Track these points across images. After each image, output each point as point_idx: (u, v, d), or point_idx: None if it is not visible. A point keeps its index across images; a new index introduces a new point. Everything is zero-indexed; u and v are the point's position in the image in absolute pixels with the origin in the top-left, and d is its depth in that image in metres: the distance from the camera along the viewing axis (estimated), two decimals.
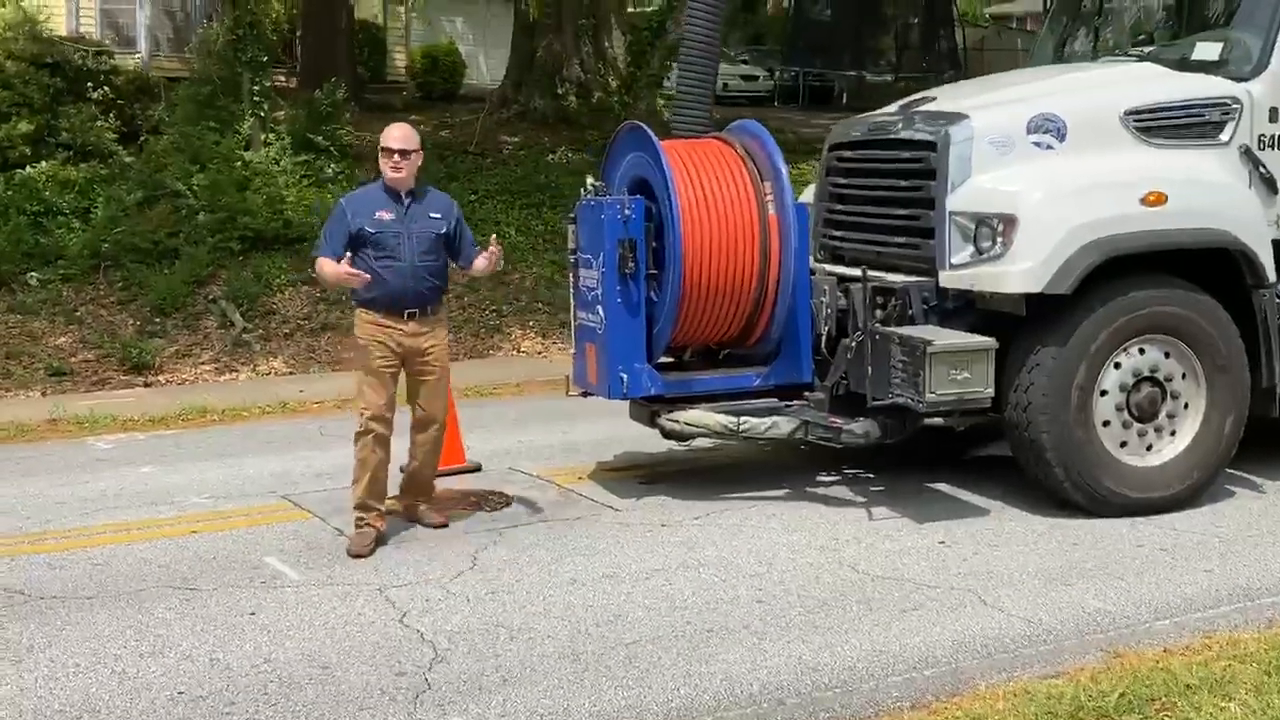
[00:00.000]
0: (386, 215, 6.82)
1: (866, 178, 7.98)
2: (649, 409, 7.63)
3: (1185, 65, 7.61)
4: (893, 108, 8.38)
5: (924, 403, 6.76)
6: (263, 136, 16.20)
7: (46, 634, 5.64)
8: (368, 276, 6.71)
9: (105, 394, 12.04)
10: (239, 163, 15.63)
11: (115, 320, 14.00)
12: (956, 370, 6.76)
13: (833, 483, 8.00)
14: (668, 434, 7.78)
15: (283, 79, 20.91)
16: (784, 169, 7.42)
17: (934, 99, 8.03)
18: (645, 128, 7.57)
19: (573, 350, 7.91)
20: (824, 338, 7.72)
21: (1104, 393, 7.09)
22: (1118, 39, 8.88)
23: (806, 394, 7.69)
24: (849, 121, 8.56)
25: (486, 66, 32.13)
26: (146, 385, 12.65)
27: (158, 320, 13.95)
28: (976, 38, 41.13)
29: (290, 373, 13.29)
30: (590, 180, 7.62)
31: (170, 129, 16.43)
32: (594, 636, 5.53)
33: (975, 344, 6.83)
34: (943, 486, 7.81)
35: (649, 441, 8.95)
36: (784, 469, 8.27)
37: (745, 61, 33.38)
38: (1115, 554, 6.54)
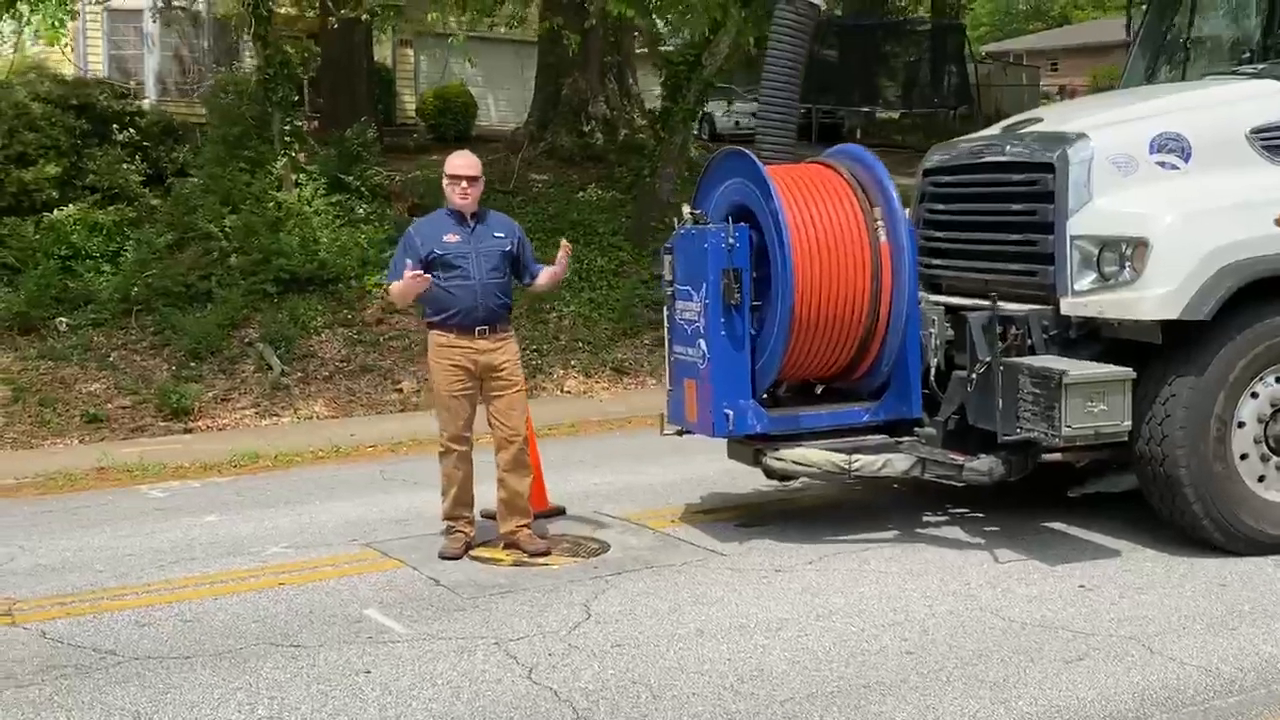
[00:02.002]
0: (454, 238, 7.08)
1: (970, 202, 7.64)
2: (751, 447, 7.25)
3: None
4: (994, 130, 8.06)
5: (1060, 437, 6.39)
6: (294, 177, 15.86)
7: (151, 698, 5.22)
8: (428, 277, 6.93)
9: (148, 440, 11.63)
10: (271, 203, 15.29)
11: (149, 365, 13.61)
12: (1093, 402, 6.40)
13: (942, 523, 7.62)
14: (771, 473, 7.40)
15: (302, 122, 20.61)
16: (895, 194, 7.08)
17: (1040, 120, 7.71)
18: (748, 152, 7.23)
19: (668, 387, 7.53)
20: (932, 370, 7.36)
21: (1241, 424, 6.74)
22: (1213, 59, 8.57)
23: (916, 430, 7.32)
24: (944, 145, 8.22)
25: (495, 108, 32.04)
26: (187, 431, 12.24)
27: (193, 364, 13.56)
28: (981, 74, 41.10)
29: (333, 416, 12.90)
30: (687, 209, 7.26)
31: (198, 170, 16.09)
32: (743, 694, 5.12)
33: (1112, 374, 6.48)
34: (1059, 525, 7.42)
35: (731, 481, 8.64)
36: (884, 509, 7.89)
37: (756, 99, 33.19)
38: (1270, 595, 6.16)
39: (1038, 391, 6.48)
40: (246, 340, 14.02)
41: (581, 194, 18.36)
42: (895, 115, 37.08)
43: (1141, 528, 7.16)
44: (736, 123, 29.58)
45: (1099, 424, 6.42)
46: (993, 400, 6.72)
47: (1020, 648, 5.54)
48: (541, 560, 7.07)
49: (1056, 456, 7.16)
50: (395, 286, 7.17)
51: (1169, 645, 5.52)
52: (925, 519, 7.69)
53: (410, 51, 31.14)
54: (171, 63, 26.10)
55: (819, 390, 7.79)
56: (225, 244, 14.89)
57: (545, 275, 7.43)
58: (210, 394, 13.05)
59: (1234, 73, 7.80)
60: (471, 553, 7.23)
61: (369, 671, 5.45)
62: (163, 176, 16.63)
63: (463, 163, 7.19)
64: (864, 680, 5.23)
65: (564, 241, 7.52)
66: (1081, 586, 6.35)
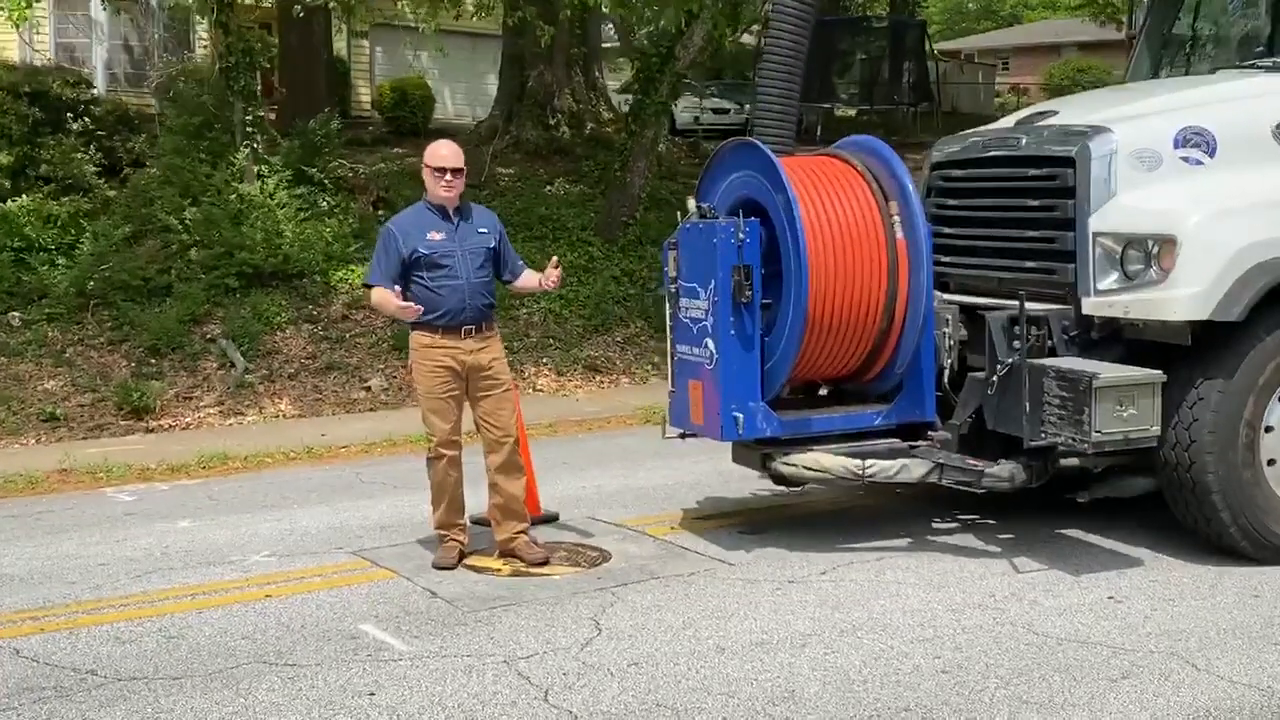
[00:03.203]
0: (438, 235, 6.72)
1: (983, 198, 7.37)
2: (759, 452, 6.95)
3: None
4: (1006, 122, 7.80)
5: (1089, 443, 6.13)
6: (256, 169, 15.38)
7: None
8: (420, 308, 6.62)
9: (110, 441, 11.18)
10: (233, 196, 14.81)
11: (107, 362, 13.13)
12: (1122, 406, 6.15)
13: (954, 530, 7.35)
14: (781, 479, 7.11)
15: (264, 113, 20.12)
16: (912, 188, 6.80)
17: (1056, 112, 7.44)
18: (759, 143, 6.92)
19: (670, 388, 7.19)
20: (945, 372, 7.09)
21: (1270, 429, 6.51)
22: (1221, 53, 8.36)
23: (930, 433, 7.04)
24: (952, 139, 7.95)
25: (452, 101, 31.62)
26: (149, 431, 11.79)
27: (153, 361, 13.10)
28: (938, 72, 41.04)
29: (299, 415, 12.49)
30: (693, 202, 6.93)
31: (156, 161, 15.58)
32: (776, 718, 4.81)
33: (1143, 377, 6.22)
34: (1075, 532, 7.17)
35: (726, 485, 8.38)
36: (892, 515, 7.62)
37: (715, 95, 32.92)
38: None
39: (1065, 395, 6.22)
40: (208, 336, 13.57)
41: (549, 188, 18.00)
42: (853, 112, 36.95)
43: (1159, 534, 6.94)
44: (696, 118, 29.37)
45: (1128, 429, 6.17)
46: (1016, 404, 6.44)
47: (1060, 665, 5.27)
48: (541, 570, 6.74)
49: (1073, 461, 6.95)
50: (378, 295, 6.71)
51: (1214, 662, 5.27)
52: (936, 526, 7.42)
53: (366, 43, 30.66)
54: (121, 52, 25.49)
55: (822, 392, 7.50)
56: (185, 237, 14.42)
57: (530, 278, 7.12)
58: (172, 392, 12.60)
59: (1251, 67, 7.58)
60: (466, 562, 6.89)
61: (373, 694, 5.10)
62: (118, 167, 16.12)
63: (448, 153, 6.80)
64: (903, 703, 4.93)
65: (556, 260, 7.14)
66: (1110, 598, 6.10)
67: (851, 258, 6.67)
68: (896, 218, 6.76)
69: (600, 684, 5.15)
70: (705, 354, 6.74)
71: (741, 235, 6.57)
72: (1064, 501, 7.32)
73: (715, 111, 31.71)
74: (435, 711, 4.92)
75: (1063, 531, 7.20)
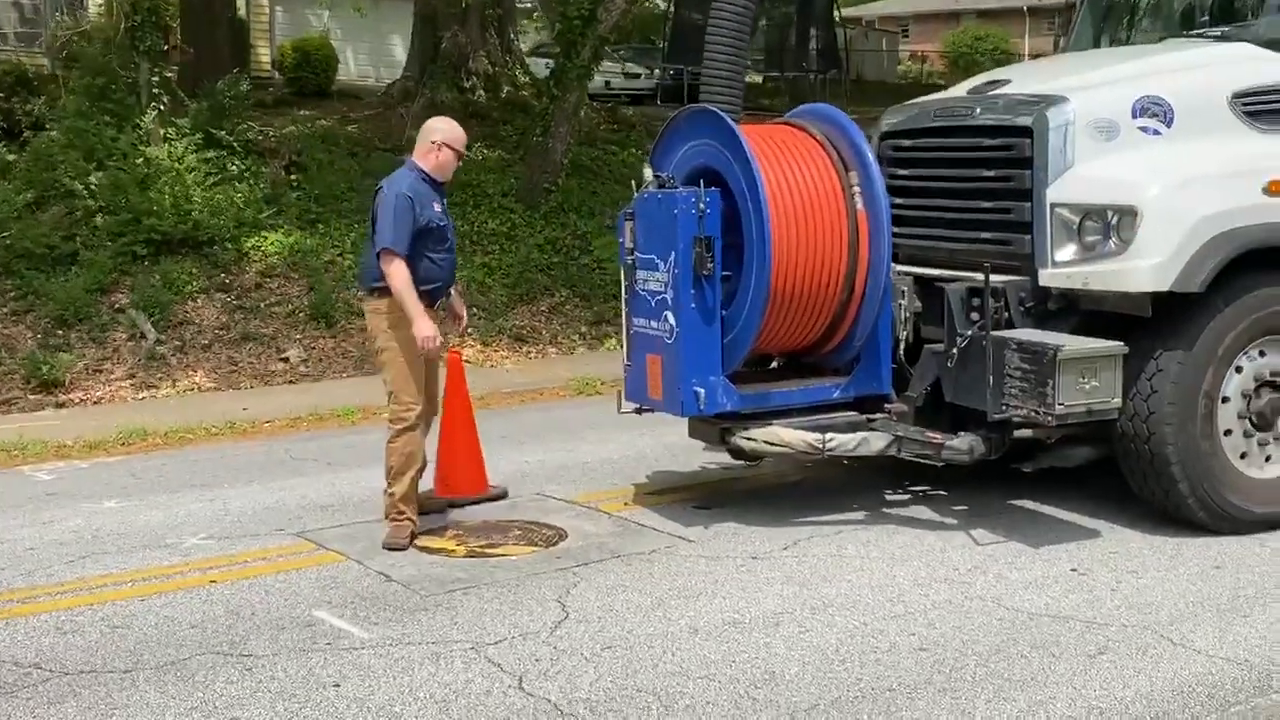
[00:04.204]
0: (438, 207, 6.81)
1: (935, 167, 7.29)
2: (718, 426, 6.82)
3: (1277, 46, 7.06)
4: (958, 91, 7.72)
5: (1053, 415, 6.08)
6: (163, 132, 14.86)
7: None
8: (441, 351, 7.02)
9: (20, 416, 10.72)
10: (140, 160, 14.27)
11: (12, 333, 12.58)
12: (1084, 378, 6.11)
13: (908, 501, 7.30)
14: (739, 454, 7.00)
15: (171, 73, 19.49)
16: (872, 157, 6.69)
17: (1008, 80, 7.37)
18: (717, 111, 6.75)
19: (625, 361, 7.03)
20: (901, 344, 7.01)
21: (1226, 400, 6.53)
22: (1166, 21, 8.36)
23: (887, 406, 6.97)
24: (902, 107, 7.85)
25: (354, 61, 31.00)
26: (60, 405, 11.34)
27: (60, 333, 12.58)
28: (845, 38, 41.14)
29: (215, 388, 12.10)
30: (650, 170, 6.76)
31: (58, 124, 14.96)
32: (761, 702, 4.70)
33: (1105, 349, 6.19)
34: (1028, 503, 7.16)
35: (674, 458, 8.29)
36: (844, 488, 7.53)
37: (627, 59, 32.65)
38: (1270, 577, 5.95)
39: (1028, 368, 6.17)
40: (117, 306, 13.07)
41: (467, 153, 17.62)
42: (759, 79, 36.89)
43: (1112, 504, 6.95)
44: (608, 82, 29.05)
45: (1091, 401, 6.14)
46: (978, 377, 6.39)
47: (1036, 641, 5.22)
48: (496, 550, 6.55)
49: (1026, 432, 6.93)
50: (405, 271, 6.49)
51: (1188, 635, 5.26)
52: (889, 498, 7.37)
53: (265, 2, 29.92)
54: (10, 9, 24.54)
55: (775, 364, 7.40)
56: (90, 203, 13.85)
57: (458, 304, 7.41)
58: (81, 364, 12.12)
59: (1200, 36, 7.58)
60: (416, 543, 6.68)
61: (338, 685, 4.89)
62: (17, 130, 15.47)
63: (461, 133, 7.03)
64: (885, 683, 4.85)
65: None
66: (1074, 570, 6.08)
67: (813, 229, 6.54)
68: (856, 188, 6.65)
69: (575, 669, 5.00)
70: (665, 328, 6.59)
71: (703, 206, 6.42)
72: (1010, 471, 7.34)
73: (626, 76, 31.49)
74: (406, 703, 4.73)
75: (1015, 502, 7.18)
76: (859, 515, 7.02)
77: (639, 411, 7.13)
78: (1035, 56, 50.75)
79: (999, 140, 6.88)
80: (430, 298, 6.71)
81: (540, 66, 26.19)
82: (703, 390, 6.51)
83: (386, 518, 6.80)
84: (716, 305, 6.53)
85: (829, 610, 5.60)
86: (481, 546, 6.61)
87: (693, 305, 6.48)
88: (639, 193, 6.77)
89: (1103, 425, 6.44)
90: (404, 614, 5.65)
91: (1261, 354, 6.59)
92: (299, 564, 6.39)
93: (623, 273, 6.94)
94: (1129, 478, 6.68)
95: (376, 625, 5.52)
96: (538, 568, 6.26)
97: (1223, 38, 7.42)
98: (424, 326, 6.47)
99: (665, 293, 6.57)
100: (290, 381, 12.35)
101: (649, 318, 6.72)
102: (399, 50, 31.81)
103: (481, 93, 19.01)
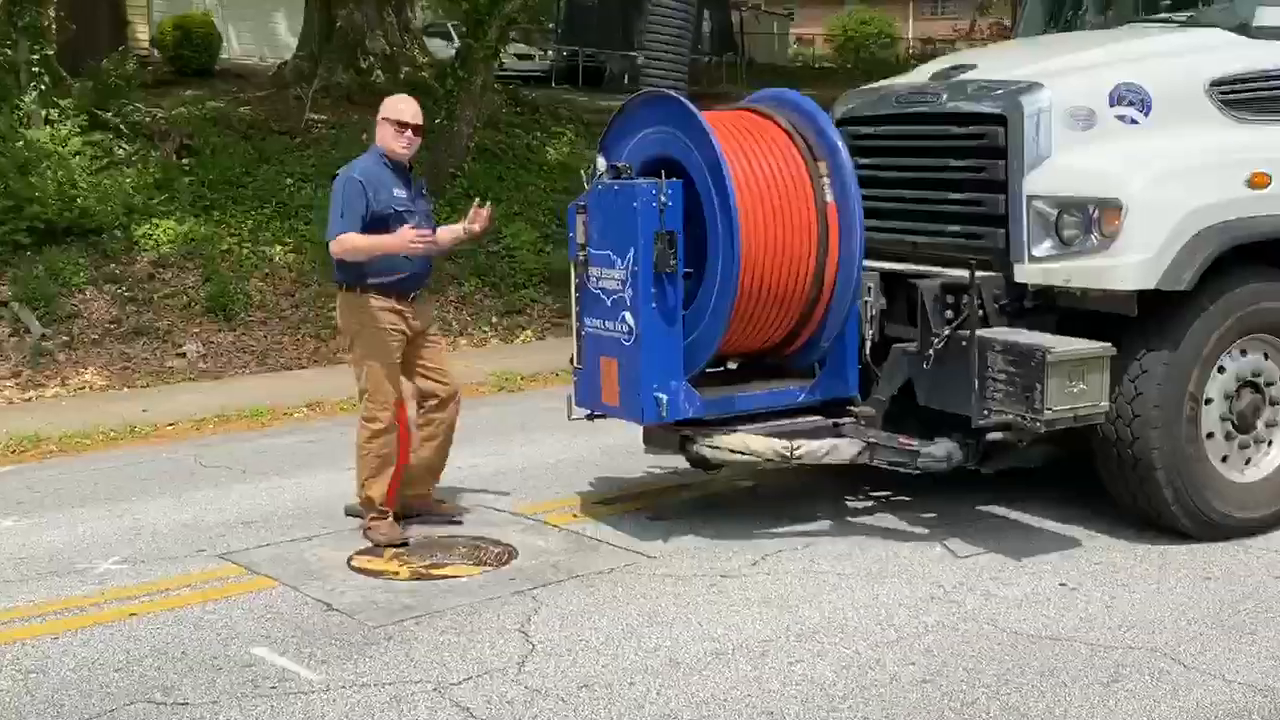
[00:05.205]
0: (401, 193, 6.40)
1: (899, 157, 6.91)
2: (677, 434, 6.38)
3: (1247, 31, 6.80)
4: (920, 76, 7.34)
5: (1041, 421, 5.75)
6: (44, 113, 13.98)
7: None
8: (435, 238, 6.44)
9: None
10: (20, 143, 13.39)
11: None
12: (1072, 381, 5.79)
13: (872, 509, 6.94)
14: (698, 461, 6.57)
15: (52, 51, 18.47)
16: (842, 146, 6.29)
17: (974, 65, 7.01)
18: (678, 96, 6.30)
19: (576, 364, 6.55)
20: (867, 344, 6.65)
21: (1208, 401, 6.26)
22: (1120, 5, 8.08)
23: (852, 409, 6.59)
24: (859, 92, 7.47)
25: (237, 40, 29.99)
26: None
27: None
28: (741, 21, 40.99)
29: (108, 386, 11.37)
30: (602, 160, 6.28)
31: None
32: None
33: (1093, 351, 5.86)
34: (998, 509, 6.84)
35: (612, 462, 7.92)
36: (800, 495, 7.14)
37: (519, 40, 32.03)
38: (1265, 590, 5.68)
39: (1014, 370, 5.83)
40: None
41: (367, 136, 16.89)
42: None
43: (1078, 507, 6.70)
44: (500, 64, 28.39)
45: (1078, 405, 5.82)
46: (955, 379, 6.04)
47: (1043, 668, 4.88)
48: (442, 570, 6.05)
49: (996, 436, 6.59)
50: (358, 239, 6.19)
51: (1198, 657, 4.95)
52: (852, 505, 7.00)
53: None
54: None
55: (731, 366, 6.97)
56: None
57: (446, 234, 6.73)
58: None
59: (1164, 21, 7.31)
60: (354, 564, 6.15)
61: None
62: None
63: (413, 109, 6.48)
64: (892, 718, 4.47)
65: (479, 202, 6.65)
66: (1063, 584, 5.76)
67: (781, 223, 6.13)
68: (826, 179, 6.24)
69: (553, 713, 4.53)
70: (622, 329, 6.12)
71: (664, 198, 5.96)
72: (968, 473, 6.98)
73: (520, 58, 30.86)
74: None
75: (984, 508, 6.86)
76: (824, 525, 6.64)
77: (591, 418, 6.67)
78: (925, 41, 51.25)
79: (969, 128, 6.52)
80: (397, 290, 6.34)
81: (439, 46, 25.52)
82: (665, 396, 6.07)
83: (354, 515, 6.72)
84: (678, 305, 6.09)
85: (816, 637, 5.20)
86: (426, 567, 6.11)
87: (654, 305, 6.03)
88: (593, 183, 6.28)
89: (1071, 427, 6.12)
90: (353, 650, 5.13)
91: (1243, 353, 6.34)
92: (227, 591, 5.82)
93: (572, 269, 6.45)
94: (1108, 483, 6.38)
95: (325, 664, 4.99)
96: (492, 591, 5.77)
97: (1190, 22, 7.15)
98: (403, 234, 6.19)
99: (623, 291, 6.10)
100: (189, 379, 11.66)
101: (604, 318, 6.25)
102: (283, 28, 30.83)
103: (379, 74, 18.29)
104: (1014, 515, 6.75)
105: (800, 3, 61.39)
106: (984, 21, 37.97)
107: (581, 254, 6.32)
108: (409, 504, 6.70)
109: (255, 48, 29.70)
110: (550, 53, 32.02)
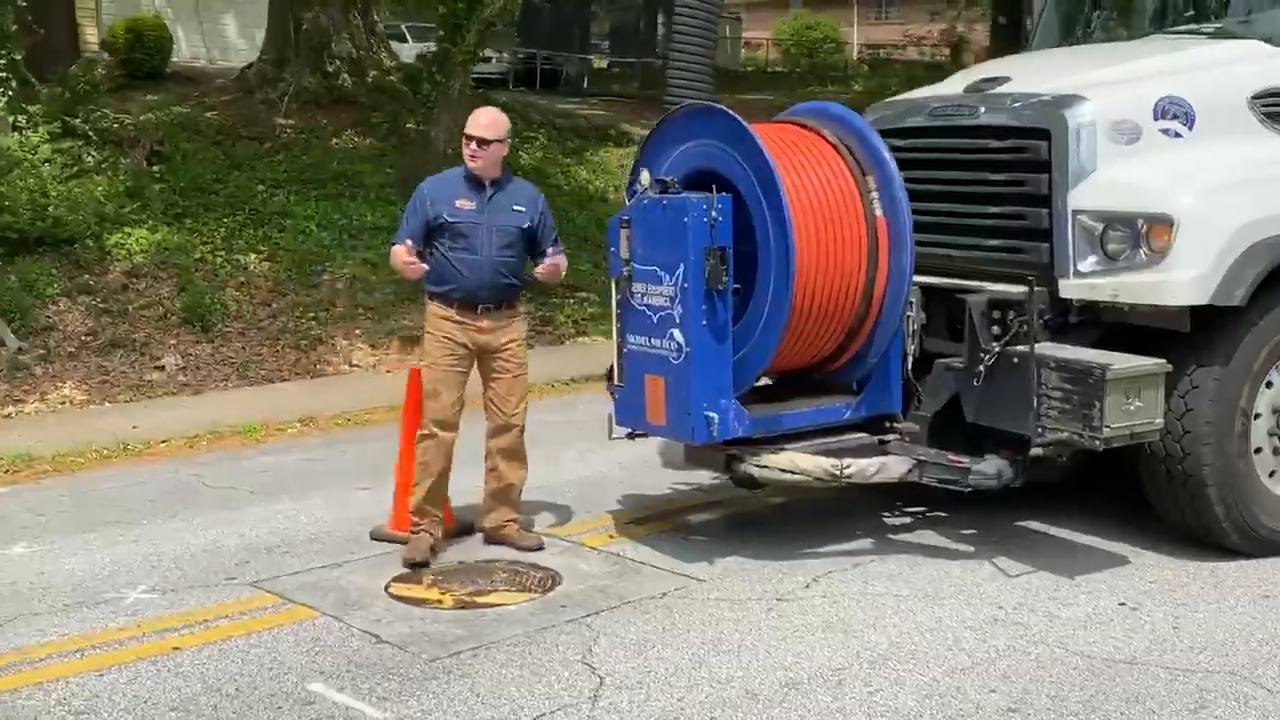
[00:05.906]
0: (467, 204, 6.38)
1: (932, 169, 6.81)
2: (724, 453, 6.24)
3: None
4: (951, 88, 7.25)
5: (1100, 439, 5.68)
6: (12, 120, 13.60)
7: None
8: (424, 268, 6.35)
9: None
10: None
11: None
12: (1129, 399, 5.73)
13: (912, 526, 6.85)
14: (745, 480, 6.45)
15: (20, 55, 18.01)
16: (890, 160, 6.18)
17: (1007, 78, 6.92)
18: (725, 109, 6.16)
19: (618, 383, 6.40)
20: (909, 360, 6.55)
21: (1258, 416, 6.22)
22: (1135, 17, 8.05)
23: (895, 425, 6.49)
24: (887, 104, 7.38)
25: (187, 43, 29.50)
26: None
27: None
28: None
29: (88, 400, 11.05)
30: (647, 174, 6.13)
31: None
32: None
33: (1150, 368, 5.81)
34: (1036, 525, 6.78)
35: (633, 478, 7.85)
36: (836, 510, 7.05)
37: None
38: None
39: (1071, 388, 5.75)
40: None
41: (337, 141, 16.69)
42: (605, 64, 36.34)
43: (1114, 520, 6.69)
44: None
45: (1134, 422, 5.77)
46: (1011, 396, 5.95)
47: (1127, 695, 4.80)
48: (488, 598, 5.88)
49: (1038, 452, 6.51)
50: (393, 252, 6.43)
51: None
52: (888, 522, 6.91)
53: None
54: None
55: (765, 382, 6.83)
56: None
57: (548, 265, 6.56)
58: None
59: (1191, 33, 7.27)
60: (393, 591, 5.97)
61: None
62: None
63: (485, 121, 6.39)
64: None
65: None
66: (1122, 604, 5.69)
67: (832, 237, 6.02)
68: (875, 193, 6.14)
69: None
70: (671, 347, 5.98)
71: (715, 213, 5.82)
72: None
73: (668, 64, 30.50)
74: None
75: (1022, 524, 6.79)
76: (867, 544, 6.54)
77: (631, 437, 6.52)
78: (871, 47, 51.47)
79: (1010, 142, 6.45)
80: (456, 301, 6.34)
81: (395, 49, 25.19)
82: (715, 415, 5.93)
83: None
84: (728, 321, 5.96)
85: (889, 664, 5.09)
86: (469, 595, 5.93)
87: (704, 322, 5.89)
88: (637, 197, 6.14)
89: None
90: (413, 684, 4.95)
91: None
92: (269, 623, 5.61)
93: (614, 285, 6.30)
94: (1154, 499, 6.33)
95: (388, 701, 4.80)
96: (544, 620, 5.60)
97: (1219, 34, 7.11)
98: (395, 252, 6.37)
99: (671, 308, 5.96)
100: (170, 393, 11.35)
101: (650, 335, 6.10)
102: (232, 30, 30.40)
103: (346, 77, 18.00)
104: (1054, 531, 6.68)
105: (747, 7, 61.56)
106: (934, 27, 38.06)
107: (625, 269, 6.16)
108: (488, 536, 6.65)
109: (204, 50, 29.26)
110: (507, 55, 31.75)
